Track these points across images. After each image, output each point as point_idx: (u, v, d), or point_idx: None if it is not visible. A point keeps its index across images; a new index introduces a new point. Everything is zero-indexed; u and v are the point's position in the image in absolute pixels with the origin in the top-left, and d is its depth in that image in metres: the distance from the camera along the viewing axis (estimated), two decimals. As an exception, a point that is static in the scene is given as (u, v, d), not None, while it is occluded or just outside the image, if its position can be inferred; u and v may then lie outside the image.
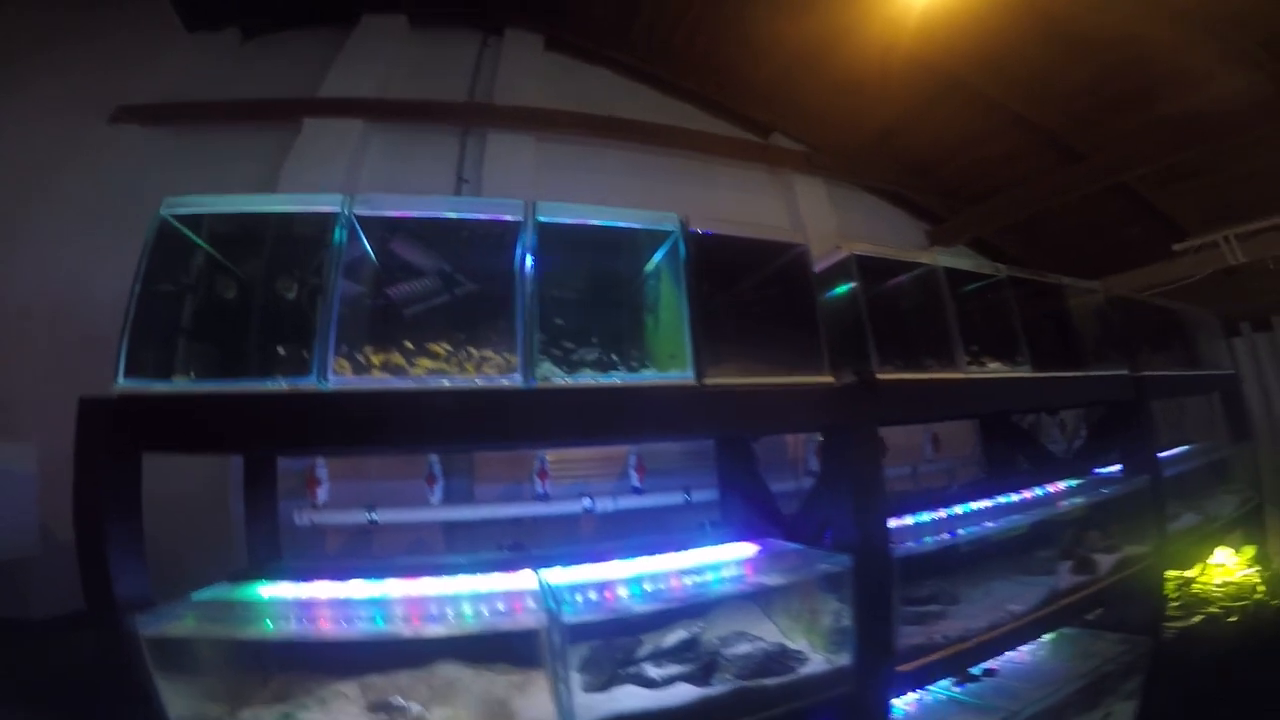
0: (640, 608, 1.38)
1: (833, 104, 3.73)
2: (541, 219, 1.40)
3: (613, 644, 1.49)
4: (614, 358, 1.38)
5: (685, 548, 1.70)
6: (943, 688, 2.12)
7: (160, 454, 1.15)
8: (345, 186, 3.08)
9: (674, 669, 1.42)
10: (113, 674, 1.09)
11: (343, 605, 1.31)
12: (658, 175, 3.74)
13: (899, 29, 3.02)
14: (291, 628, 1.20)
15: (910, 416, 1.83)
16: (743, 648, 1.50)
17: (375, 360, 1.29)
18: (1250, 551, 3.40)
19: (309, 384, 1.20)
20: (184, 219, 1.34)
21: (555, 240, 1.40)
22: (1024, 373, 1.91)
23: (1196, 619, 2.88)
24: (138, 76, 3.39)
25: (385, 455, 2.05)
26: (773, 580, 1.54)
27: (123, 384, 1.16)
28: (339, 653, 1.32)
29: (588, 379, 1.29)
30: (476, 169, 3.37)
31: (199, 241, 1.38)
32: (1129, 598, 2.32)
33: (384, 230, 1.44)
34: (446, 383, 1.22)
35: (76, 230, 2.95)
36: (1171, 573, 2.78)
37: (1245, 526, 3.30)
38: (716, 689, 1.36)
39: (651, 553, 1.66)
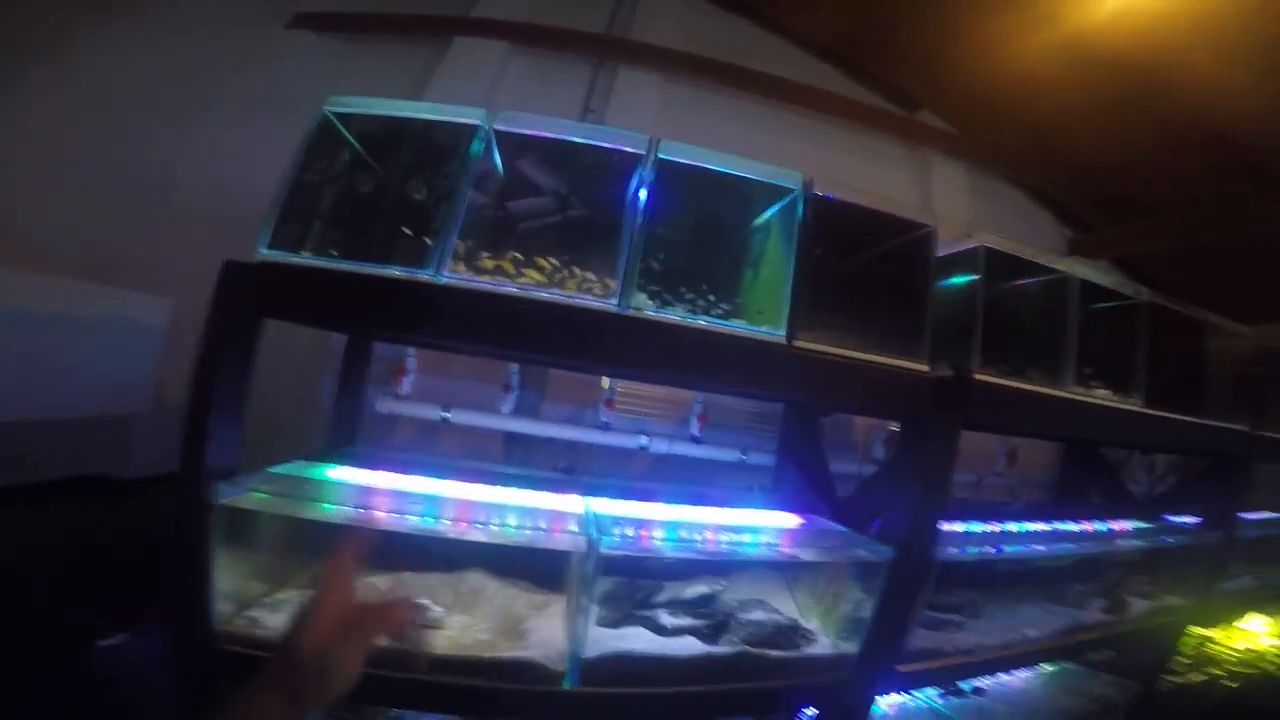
0: (671, 554, 1.42)
1: (996, 91, 3.39)
2: (662, 155, 1.41)
3: (634, 584, 1.55)
4: (708, 302, 1.38)
5: (730, 505, 1.73)
6: (928, 697, 2.14)
7: (283, 320, 1.26)
8: (483, 104, 3.17)
9: (687, 620, 1.47)
10: (181, 537, 1.13)
11: (399, 497, 1.39)
12: (784, 133, 3.60)
13: (1087, 21, 2.68)
14: (347, 513, 1.23)
15: (998, 425, 1.73)
16: (757, 614, 1.54)
17: (487, 265, 1.37)
18: None
19: (424, 275, 1.29)
20: (341, 117, 1.45)
21: (671, 178, 1.41)
22: (1133, 406, 1.76)
23: (1198, 676, 2.74)
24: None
25: (478, 354, 2.17)
26: (807, 555, 1.54)
27: (265, 253, 1.28)
28: (383, 544, 1.36)
29: (679, 316, 1.30)
30: (603, 102, 3.39)
31: (350, 138, 1.48)
32: (1142, 645, 2.23)
33: (514, 147, 1.49)
34: (547, 295, 1.28)
35: (244, 121, 3.25)
36: (1195, 629, 2.64)
37: None
38: (721, 649, 1.40)
39: (697, 503, 1.70)
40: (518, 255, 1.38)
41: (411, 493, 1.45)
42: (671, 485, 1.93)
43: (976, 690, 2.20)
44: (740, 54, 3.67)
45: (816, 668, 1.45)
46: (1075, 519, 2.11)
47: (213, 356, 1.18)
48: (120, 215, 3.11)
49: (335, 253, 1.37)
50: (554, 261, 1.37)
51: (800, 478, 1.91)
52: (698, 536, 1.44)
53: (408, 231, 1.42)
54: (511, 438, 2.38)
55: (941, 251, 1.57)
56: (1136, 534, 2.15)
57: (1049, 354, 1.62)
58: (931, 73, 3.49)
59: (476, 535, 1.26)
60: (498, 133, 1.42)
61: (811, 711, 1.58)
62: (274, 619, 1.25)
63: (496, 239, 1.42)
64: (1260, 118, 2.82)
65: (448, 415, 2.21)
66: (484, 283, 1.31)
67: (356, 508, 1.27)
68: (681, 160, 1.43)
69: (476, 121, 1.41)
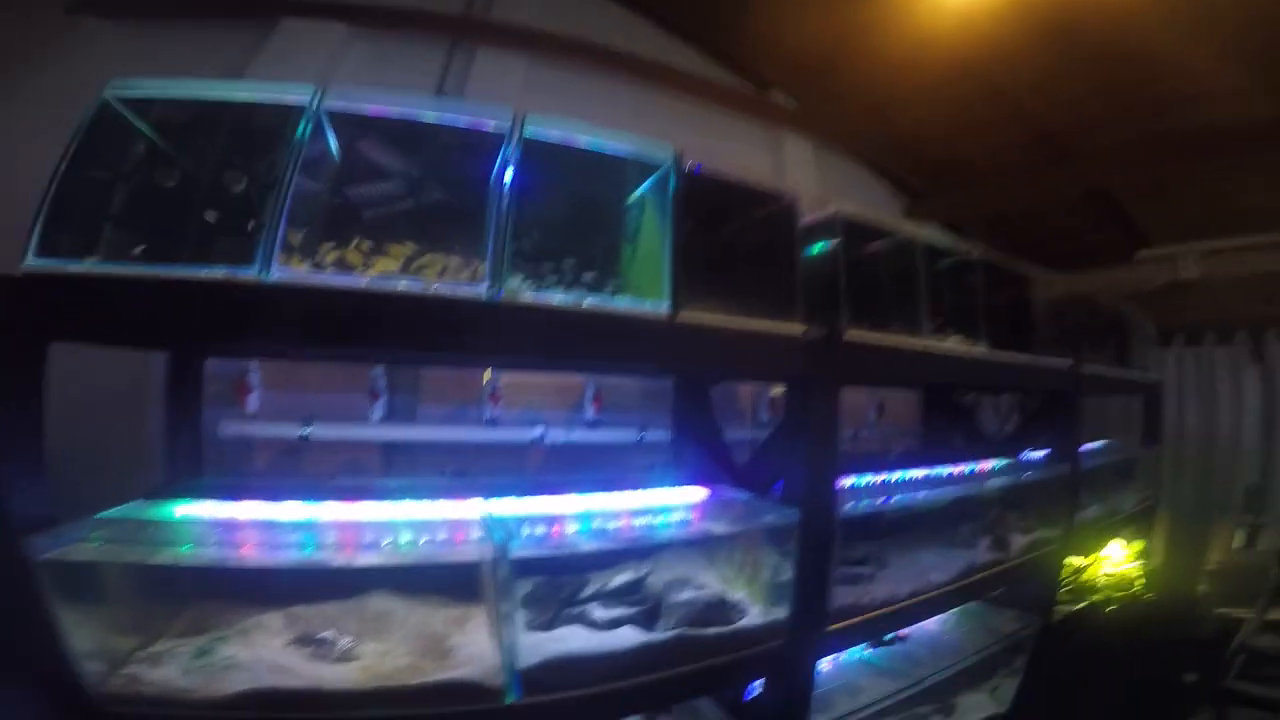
0: (588, 546, 1.37)
1: (836, 69, 3.65)
2: (529, 132, 1.32)
3: (557, 581, 1.48)
4: (587, 281, 1.32)
5: (636, 487, 1.69)
6: (856, 650, 2.23)
7: (72, 343, 1.05)
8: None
9: (619, 611, 1.42)
10: (6, 602, 0.98)
11: (268, 528, 1.24)
12: (649, 114, 3.62)
13: (926, 13, 2.96)
14: (210, 552, 1.12)
15: (872, 377, 1.86)
16: (686, 594, 1.51)
17: (329, 257, 1.20)
18: (1138, 547, 3.74)
19: (250, 274, 1.10)
20: (129, 103, 1.22)
21: (538, 156, 1.32)
22: (980, 351, 1.96)
23: (1081, 604, 3.16)
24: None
25: (329, 360, 1.94)
26: (720, 528, 1.56)
27: (32, 262, 1.03)
28: (263, 581, 1.25)
29: (558, 298, 1.23)
30: (459, 86, 3.18)
31: (140, 125, 1.24)
32: (1030, 579, 2.48)
33: (353, 129, 1.32)
34: (405, 285, 1.15)
35: (18, 121, 2.64)
36: (1070, 559, 2.99)
37: (1139, 523, 3.60)
38: (659, 635, 1.37)
39: (602, 490, 1.64)
40: (364, 245, 1.22)
41: (281, 521, 1.29)
42: (572, 474, 1.86)
43: (898, 638, 2.33)
44: (603, 34, 3.62)
45: (752, 639, 1.46)
46: (946, 462, 2.31)
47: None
48: None
49: (128, 258, 1.13)
50: (410, 248, 1.22)
51: (698, 450, 1.92)
52: (611, 524, 1.40)
53: (225, 228, 1.21)
54: (390, 448, 2.16)
55: (803, 221, 1.64)
56: (1000, 471, 2.39)
57: (904, 309, 1.75)
58: (780, 52, 3.69)
59: (370, 558, 1.16)
60: (330, 113, 1.26)
61: (759, 683, 1.59)
62: (156, 673, 1.08)
63: (338, 229, 1.25)
64: (1053, 95, 3.29)
65: (309, 431, 1.95)
66: (324, 276, 1.14)
67: (221, 544, 1.14)
68: (550, 136, 1.36)
69: (302, 100, 1.23)
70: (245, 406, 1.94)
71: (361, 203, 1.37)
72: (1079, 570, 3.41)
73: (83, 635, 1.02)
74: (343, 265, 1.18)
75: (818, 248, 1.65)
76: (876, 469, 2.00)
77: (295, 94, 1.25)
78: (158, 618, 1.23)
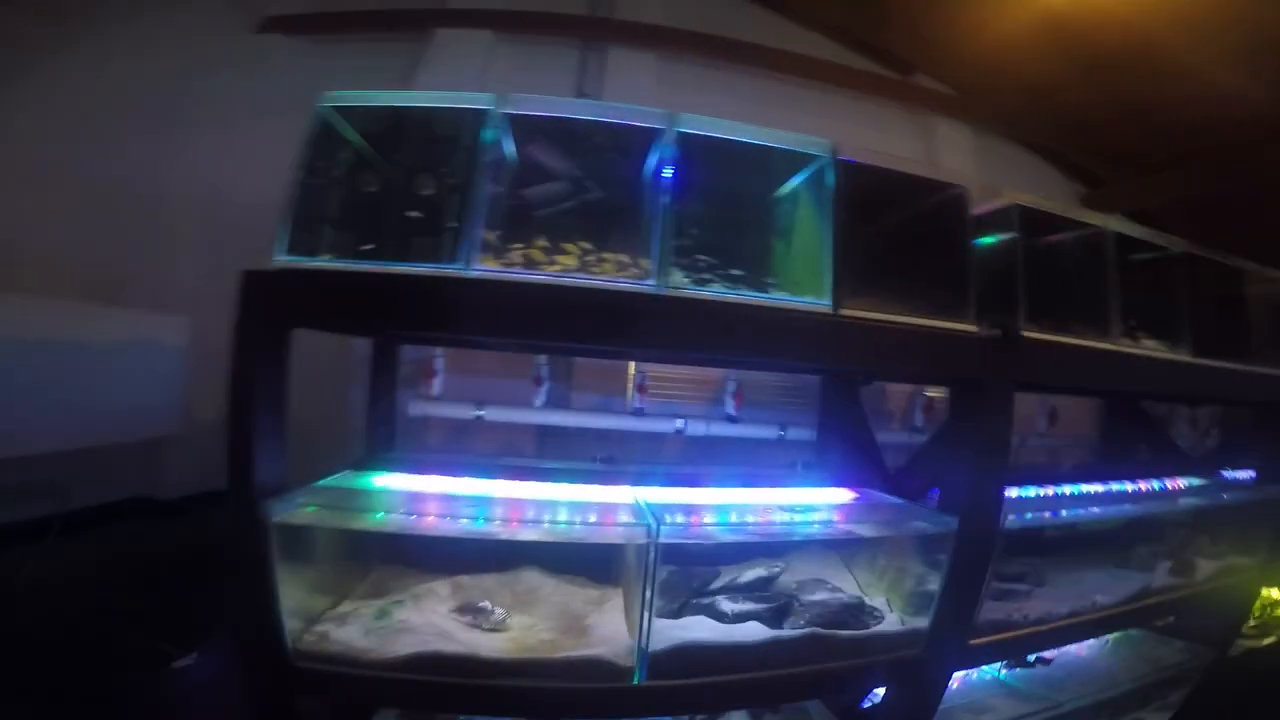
0: (725, 538, 1.38)
1: (993, 49, 3.33)
2: (682, 129, 1.35)
3: (690, 572, 1.52)
4: (744, 276, 1.33)
5: (778, 484, 1.69)
6: (992, 669, 2.09)
7: (304, 328, 1.21)
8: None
9: (748, 605, 1.43)
10: (239, 557, 1.11)
11: (447, 501, 1.36)
12: (785, 105, 3.55)
13: None
14: (401, 520, 1.23)
15: (1051, 382, 1.70)
16: (819, 594, 1.50)
17: (515, 254, 1.32)
18: None
19: (453, 269, 1.23)
20: (339, 112, 1.38)
21: (693, 152, 1.36)
22: (1184, 356, 1.72)
23: (1268, 640, 2.71)
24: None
25: (511, 349, 2.12)
26: (866, 531, 1.51)
27: (284, 259, 1.22)
28: (436, 548, 1.38)
29: (722, 293, 1.26)
30: (597, 84, 3.31)
31: (354, 135, 1.42)
32: (1211, 608, 2.19)
33: (522, 132, 1.44)
34: (582, 281, 1.23)
35: (223, 128, 3.17)
36: (1267, 591, 2.60)
37: None
38: (788, 632, 1.37)
39: (745, 484, 1.66)
40: (544, 243, 1.32)
41: (460, 496, 1.43)
42: (712, 467, 1.89)
43: (1040, 660, 2.15)
44: (730, 28, 3.59)
45: (887, 645, 1.42)
46: (1128, 478, 2.06)
47: (247, 372, 1.14)
48: (111, 231, 3.04)
49: (356, 254, 1.32)
50: (585, 246, 1.31)
51: (845, 451, 1.87)
52: (751, 519, 1.41)
53: (423, 227, 1.37)
54: (544, 431, 2.34)
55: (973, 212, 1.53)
56: (1195, 491, 2.10)
57: (1092, 308, 1.58)
58: (921, 37, 3.44)
59: (533, 534, 1.24)
60: (508, 117, 1.37)
61: (879, 691, 1.55)
62: (342, 633, 1.23)
63: (516, 228, 1.37)
64: (1257, 65, 2.76)
65: (481, 413, 2.17)
66: (517, 272, 1.26)
67: (409, 514, 1.24)
68: (703, 133, 1.37)
69: (486, 106, 1.35)
70: (430, 389, 2.19)
71: (535, 203, 1.49)
72: (1274, 604, 2.91)
73: (289, 594, 1.16)
74: (529, 262, 1.29)
75: (990, 241, 1.53)
76: (1044, 481, 1.82)
77: (478, 100, 1.36)
78: (348, 580, 1.39)
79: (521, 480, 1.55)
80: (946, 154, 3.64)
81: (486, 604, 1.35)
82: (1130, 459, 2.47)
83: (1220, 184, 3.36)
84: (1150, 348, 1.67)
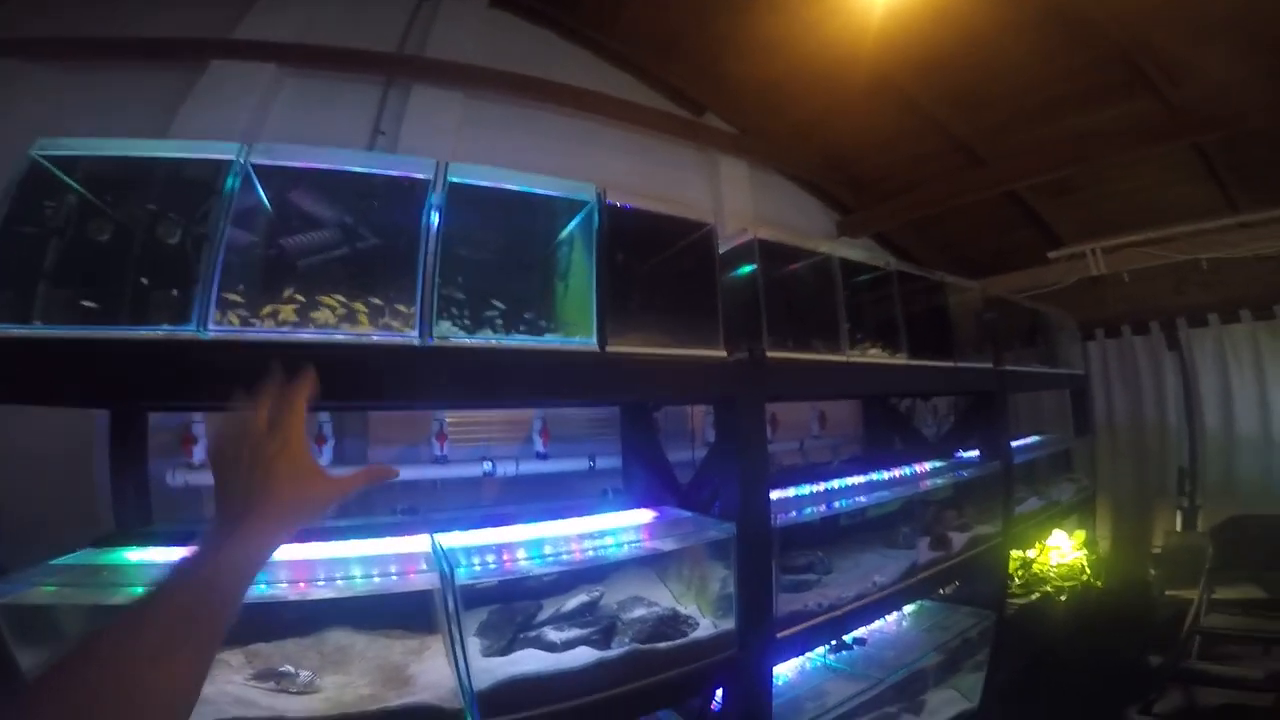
0: (539, 571, 1.42)
1: (769, 90, 3.83)
2: (454, 179, 1.38)
3: (513, 608, 1.52)
4: (519, 321, 1.39)
5: (586, 513, 1.75)
6: (819, 656, 2.32)
7: (14, 404, 1.06)
8: (248, 133, 2.87)
9: (575, 632, 1.46)
10: None
11: None
12: (588, 142, 3.72)
13: (848, 29, 3.15)
14: None
15: (795, 394, 1.97)
16: (639, 611, 1.58)
17: (263, 311, 1.24)
18: (1081, 536, 3.91)
19: (187, 332, 1.14)
20: (57, 160, 1.23)
21: (467, 201, 1.39)
22: (900, 360, 2.10)
23: (1034, 596, 3.32)
24: (25, 6, 2.94)
25: None
26: (666, 546, 1.62)
27: (-24, 327, 1.04)
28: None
29: (489, 340, 1.30)
30: (396, 122, 3.21)
31: (72, 184, 1.26)
32: (979, 574, 2.60)
33: (283, 180, 1.36)
34: (339, 336, 1.20)
35: None
36: (1015, 552, 3.16)
37: (1079, 512, 3.79)
38: (613, 652, 1.42)
39: (552, 518, 1.70)
40: (298, 297, 1.26)
41: None
42: (525, 505, 1.90)
43: (858, 641, 2.41)
44: (542, 66, 3.71)
45: (704, 650, 1.52)
46: (886, 467, 2.41)
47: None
48: None
49: (66, 320, 1.15)
50: (340, 299, 1.27)
51: (646, 474, 1.99)
52: (562, 549, 1.45)
53: (159, 285, 1.24)
54: None
55: (727, 245, 1.75)
56: (936, 472, 2.50)
57: (825, 325, 1.88)
58: (713, 77, 3.85)
59: (324, 592, 1.19)
60: (258, 166, 1.30)
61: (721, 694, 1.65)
62: None
63: (273, 280, 1.29)
64: (963, 105, 3.53)
65: None
66: (261, 331, 1.19)
67: None
68: (475, 182, 1.42)
69: (228, 156, 1.28)
70: (191, 457, 1.92)
71: (296, 252, 1.41)
72: (1028, 563, 3.58)
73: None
74: (277, 319, 1.22)
75: (741, 271, 1.76)
76: (817, 478, 2.10)
77: (221, 151, 1.29)
78: None
79: (311, 541, 1.44)
80: (727, 188, 4.08)
81: (289, 667, 1.25)
82: (887, 449, 2.95)
83: (934, 206, 4.21)
84: (874, 355, 2.03)
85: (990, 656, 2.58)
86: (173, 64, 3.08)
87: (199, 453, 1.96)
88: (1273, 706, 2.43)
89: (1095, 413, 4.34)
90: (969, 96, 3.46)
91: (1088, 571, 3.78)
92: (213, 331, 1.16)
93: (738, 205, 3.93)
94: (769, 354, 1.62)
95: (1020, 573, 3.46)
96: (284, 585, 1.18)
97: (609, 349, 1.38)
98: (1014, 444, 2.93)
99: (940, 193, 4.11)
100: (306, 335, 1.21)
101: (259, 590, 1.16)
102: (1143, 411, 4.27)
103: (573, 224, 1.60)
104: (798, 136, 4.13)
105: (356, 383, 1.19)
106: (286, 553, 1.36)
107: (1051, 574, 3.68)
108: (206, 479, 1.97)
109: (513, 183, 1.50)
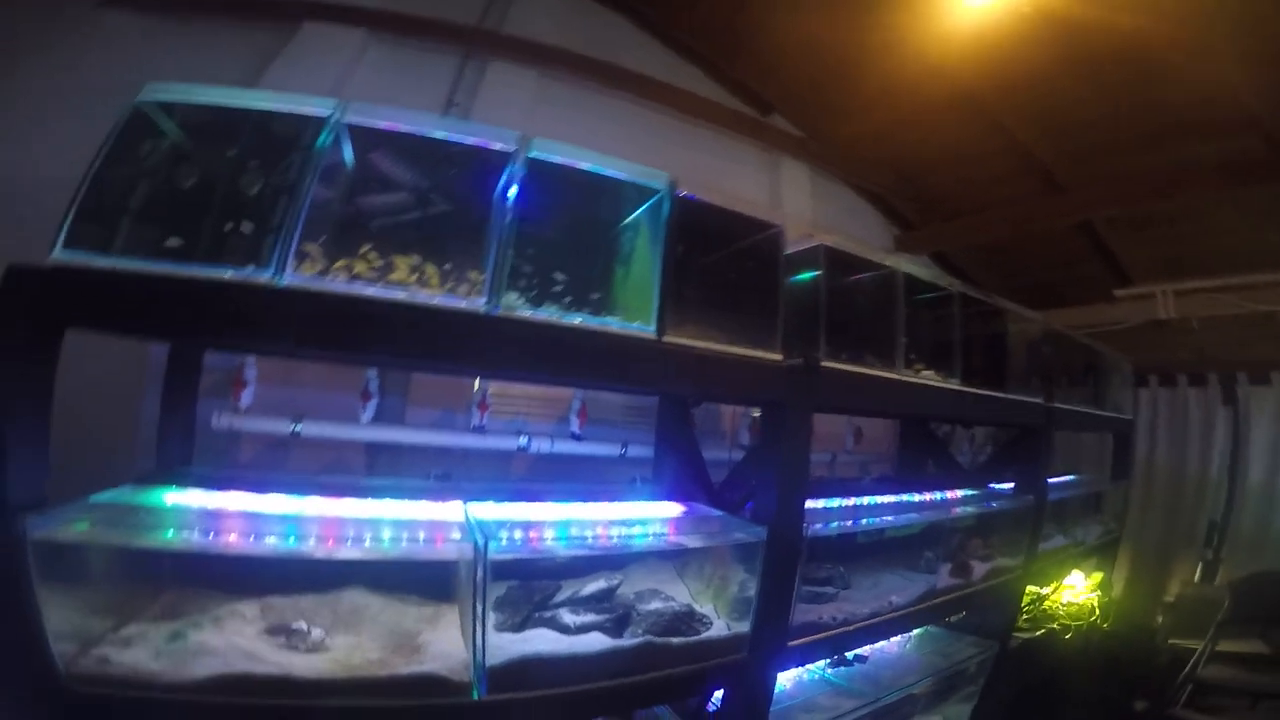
0: (564, 552, 1.43)
1: (838, 95, 3.74)
2: (535, 154, 1.39)
3: (530, 586, 1.53)
4: (583, 301, 1.40)
5: (615, 499, 1.77)
6: (818, 669, 2.29)
7: (91, 331, 1.10)
8: (332, 94, 2.95)
9: (589, 617, 1.47)
10: None
11: (251, 519, 1.27)
12: (652, 132, 3.71)
13: (930, 41, 3.04)
14: (190, 538, 1.13)
15: (845, 406, 1.94)
16: (655, 604, 1.57)
17: (339, 264, 1.27)
18: (1098, 578, 3.81)
19: (263, 277, 1.17)
20: (160, 106, 1.28)
21: (542, 177, 1.40)
22: (952, 384, 2.05)
23: (1040, 632, 3.22)
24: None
25: (332, 362, 1.99)
26: (692, 542, 1.63)
27: (60, 255, 1.10)
28: (242, 569, 1.26)
29: (552, 315, 1.30)
30: (470, 95, 3.26)
31: (170, 128, 1.30)
32: (991, 605, 2.56)
33: (367, 140, 1.39)
34: (408, 296, 1.22)
35: (45, 113, 2.70)
36: (1032, 588, 3.07)
37: (1101, 555, 3.69)
38: (625, 641, 1.42)
39: (581, 499, 1.70)
40: (373, 254, 1.29)
41: (264, 513, 1.32)
42: (555, 484, 1.92)
43: (859, 658, 2.38)
44: (613, 52, 3.72)
45: (715, 650, 1.52)
46: (917, 489, 2.37)
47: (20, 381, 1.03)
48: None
49: (148, 255, 1.20)
50: (416, 260, 1.30)
51: (677, 467, 2.00)
52: (588, 533, 1.45)
53: (243, 229, 1.28)
54: (375, 449, 2.19)
55: (790, 249, 1.73)
56: (967, 500, 2.45)
57: (881, 341, 1.84)
58: (781, 77, 3.78)
59: (349, 552, 1.19)
60: (350, 125, 1.32)
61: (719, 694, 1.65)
62: (126, 656, 1.11)
63: (349, 237, 1.33)
64: (1049, 128, 3.38)
65: (298, 428, 1.96)
66: (335, 284, 1.22)
67: (205, 532, 1.15)
68: (554, 159, 1.43)
69: (325, 112, 1.30)
70: (239, 400, 1.97)
71: (372, 212, 1.45)
72: (1040, 599, 3.49)
73: (60, 615, 1.05)
74: (351, 274, 1.25)
75: (802, 277, 1.74)
76: (848, 493, 2.07)
77: (318, 107, 1.32)
78: (135, 601, 1.25)
79: (342, 498, 1.47)
80: (787, 191, 4.03)
81: (302, 624, 1.26)
82: (920, 472, 2.89)
83: (1002, 231, 4.07)
84: (926, 376, 1.98)
85: (984, 688, 2.56)
86: (268, 23, 3.18)
87: (247, 397, 2.01)
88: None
89: (1135, 458, 4.17)
90: (1054, 120, 3.31)
91: (1096, 612, 3.68)
92: (289, 278, 1.19)
93: (797, 209, 3.88)
94: (823, 363, 1.59)
95: (1031, 608, 3.38)
96: (310, 541, 1.19)
97: (666, 338, 1.37)
98: (1050, 480, 2.83)
99: (1013, 216, 3.96)
100: (375, 292, 1.23)
101: (285, 543, 1.17)
102: (1184, 462, 4.11)
103: (640, 210, 1.60)
104: (864, 145, 4.04)
105: (420, 344, 1.21)
106: (317, 506, 1.40)
107: (1060, 611, 3.57)
108: (251, 424, 2.04)
109: (590, 163, 1.50)
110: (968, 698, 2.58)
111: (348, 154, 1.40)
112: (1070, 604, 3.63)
